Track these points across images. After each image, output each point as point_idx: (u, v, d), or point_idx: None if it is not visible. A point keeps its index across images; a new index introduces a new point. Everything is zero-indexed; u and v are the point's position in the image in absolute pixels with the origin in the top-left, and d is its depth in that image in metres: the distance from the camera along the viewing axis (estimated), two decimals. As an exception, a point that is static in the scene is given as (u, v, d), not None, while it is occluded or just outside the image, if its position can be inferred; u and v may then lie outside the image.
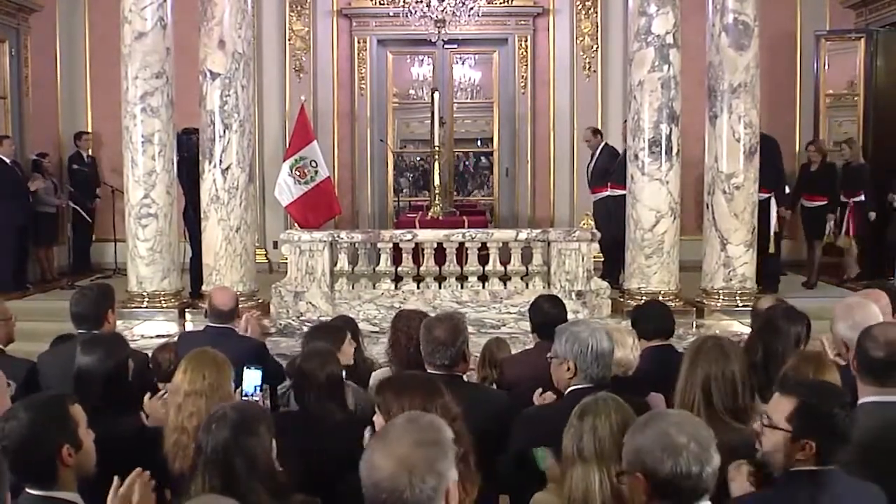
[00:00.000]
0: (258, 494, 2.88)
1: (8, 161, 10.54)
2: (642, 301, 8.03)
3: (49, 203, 11.27)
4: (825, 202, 10.47)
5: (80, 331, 4.86)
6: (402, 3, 10.65)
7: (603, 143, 10.78)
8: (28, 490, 2.77)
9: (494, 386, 4.82)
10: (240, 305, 5.82)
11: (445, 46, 11.91)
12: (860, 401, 3.33)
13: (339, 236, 8.82)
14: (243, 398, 4.28)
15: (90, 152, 12.05)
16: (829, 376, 3.49)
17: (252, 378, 4.31)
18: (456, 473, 2.08)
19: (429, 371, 3.95)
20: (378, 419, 3.05)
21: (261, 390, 4.34)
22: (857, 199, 10.57)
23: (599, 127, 11.41)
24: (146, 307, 8.65)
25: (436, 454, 2.05)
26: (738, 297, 8.54)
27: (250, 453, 2.90)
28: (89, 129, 12.20)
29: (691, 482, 2.42)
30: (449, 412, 2.95)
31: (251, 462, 2.90)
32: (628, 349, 4.22)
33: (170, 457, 3.51)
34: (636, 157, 8.70)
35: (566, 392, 3.68)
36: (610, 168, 10.30)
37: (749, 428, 3.36)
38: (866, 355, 3.34)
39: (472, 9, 10.37)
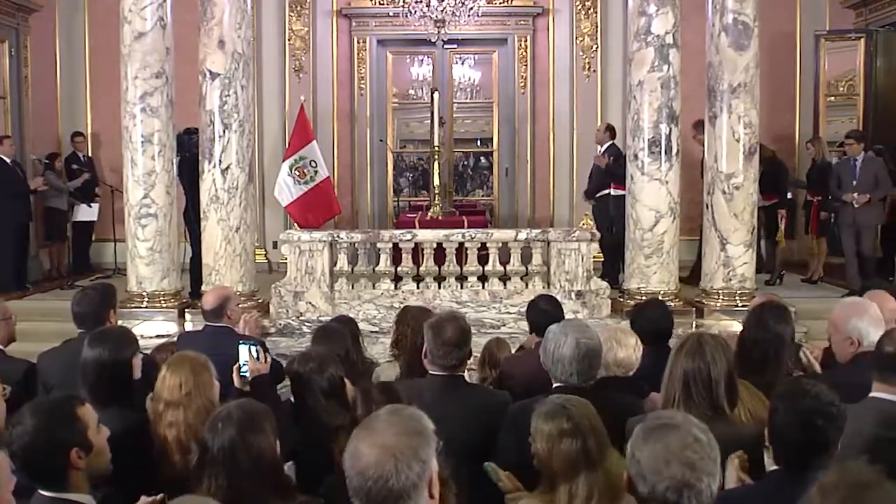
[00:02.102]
0: (264, 493, 2.88)
1: (8, 161, 10.54)
2: (642, 301, 8.06)
3: (56, 200, 11.29)
4: (776, 200, 10.42)
5: (81, 331, 4.87)
6: (401, 3, 10.64)
7: (610, 143, 10.73)
8: (41, 492, 2.77)
9: (492, 387, 4.83)
10: (238, 305, 5.80)
11: (445, 46, 11.90)
12: (870, 395, 3.40)
13: (338, 236, 8.82)
14: (241, 374, 4.34)
15: (88, 153, 12.05)
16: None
17: (246, 353, 4.40)
18: (436, 464, 2.11)
19: (430, 370, 3.95)
20: None
21: (256, 357, 4.43)
22: (819, 197, 10.55)
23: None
24: (146, 307, 8.64)
25: (419, 442, 2.07)
26: (737, 297, 8.53)
27: (256, 452, 2.91)
28: (89, 129, 12.23)
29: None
30: None
31: (257, 460, 2.90)
32: (630, 349, 4.20)
33: (157, 463, 3.53)
34: (636, 156, 8.70)
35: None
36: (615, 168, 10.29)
37: (732, 418, 3.39)
38: (879, 351, 3.43)
39: (471, 9, 10.36)
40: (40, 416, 2.82)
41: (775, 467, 2.90)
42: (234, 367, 4.37)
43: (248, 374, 4.38)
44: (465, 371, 4.22)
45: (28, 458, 2.74)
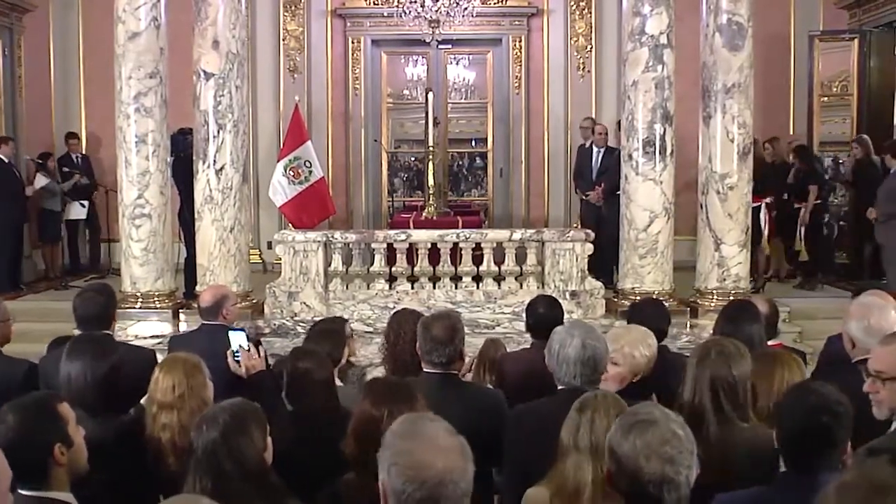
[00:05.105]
0: (249, 497, 2.87)
1: (7, 161, 10.54)
2: (637, 301, 8.05)
3: (51, 201, 11.27)
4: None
5: (80, 332, 4.83)
6: (396, 4, 10.62)
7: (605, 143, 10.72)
8: (21, 491, 2.75)
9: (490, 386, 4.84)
10: (235, 304, 5.79)
11: (439, 47, 11.89)
12: None
13: (333, 236, 8.82)
14: (235, 359, 4.35)
15: (82, 152, 11.99)
16: (796, 373, 3.54)
17: (237, 339, 4.45)
18: None
19: (425, 369, 3.95)
20: None
21: (247, 349, 4.48)
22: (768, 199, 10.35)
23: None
24: (140, 308, 8.61)
25: (464, 440, 2.09)
26: (732, 298, 8.51)
27: (241, 455, 2.90)
28: (83, 130, 12.17)
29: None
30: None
31: (241, 463, 2.89)
32: (654, 350, 4.11)
33: (152, 465, 3.53)
34: (630, 157, 8.70)
35: None
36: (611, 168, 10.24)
37: (758, 425, 3.38)
38: None
39: (466, 9, 10.34)
40: (22, 412, 2.81)
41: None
42: (228, 353, 4.39)
43: (241, 360, 4.41)
44: (462, 370, 4.22)
45: (12, 455, 2.71)
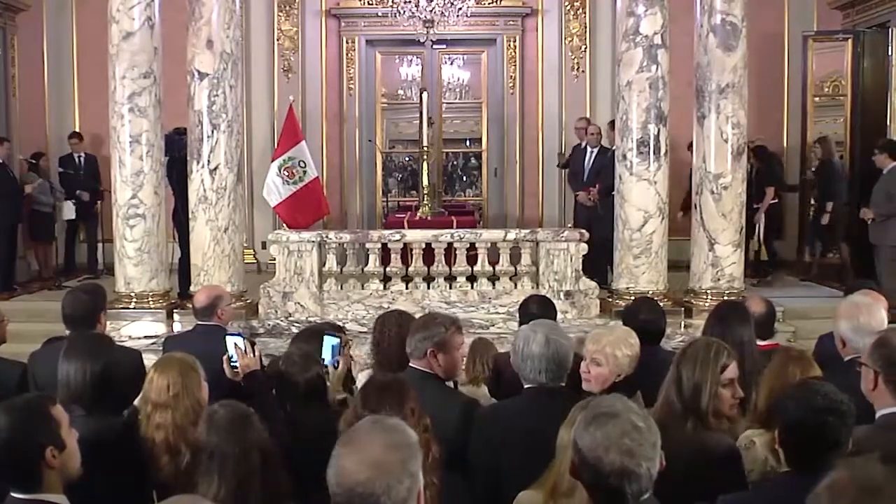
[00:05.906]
0: (256, 498, 2.87)
1: (1, 161, 10.52)
2: (631, 301, 8.06)
3: (43, 203, 11.24)
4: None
5: (70, 332, 4.82)
6: (390, 4, 10.63)
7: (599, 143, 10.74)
8: (13, 494, 2.73)
9: (485, 388, 4.84)
10: (230, 305, 5.78)
11: (434, 47, 11.90)
12: (880, 412, 3.26)
13: (327, 237, 8.82)
14: (232, 365, 4.36)
15: (85, 153, 11.92)
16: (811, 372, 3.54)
17: (233, 343, 4.43)
18: (422, 477, 2.09)
19: (410, 363, 3.96)
20: None
21: (244, 350, 4.46)
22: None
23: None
24: (134, 308, 8.61)
25: (408, 455, 2.06)
26: (726, 297, 8.53)
27: (249, 456, 2.91)
28: (77, 130, 12.11)
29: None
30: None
31: (250, 464, 2.90)
32: (637, 349, 4.10)
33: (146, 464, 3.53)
34: (624, 157, 8.72)
35: None
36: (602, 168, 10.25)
37: (710, 431, 3.36)
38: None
39: (460, 9, 10.35)
40: (14, 414, 2.78)
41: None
42: (224, 358, 4.40)
43: (238, 366, 4.41)
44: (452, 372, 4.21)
45: (3, 457, 2.71)
